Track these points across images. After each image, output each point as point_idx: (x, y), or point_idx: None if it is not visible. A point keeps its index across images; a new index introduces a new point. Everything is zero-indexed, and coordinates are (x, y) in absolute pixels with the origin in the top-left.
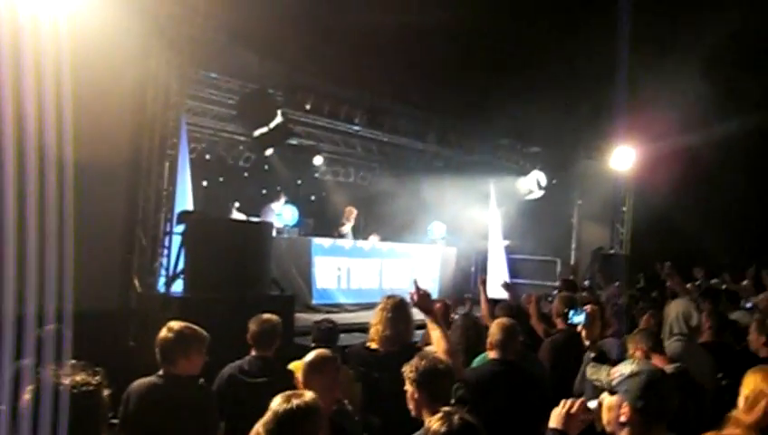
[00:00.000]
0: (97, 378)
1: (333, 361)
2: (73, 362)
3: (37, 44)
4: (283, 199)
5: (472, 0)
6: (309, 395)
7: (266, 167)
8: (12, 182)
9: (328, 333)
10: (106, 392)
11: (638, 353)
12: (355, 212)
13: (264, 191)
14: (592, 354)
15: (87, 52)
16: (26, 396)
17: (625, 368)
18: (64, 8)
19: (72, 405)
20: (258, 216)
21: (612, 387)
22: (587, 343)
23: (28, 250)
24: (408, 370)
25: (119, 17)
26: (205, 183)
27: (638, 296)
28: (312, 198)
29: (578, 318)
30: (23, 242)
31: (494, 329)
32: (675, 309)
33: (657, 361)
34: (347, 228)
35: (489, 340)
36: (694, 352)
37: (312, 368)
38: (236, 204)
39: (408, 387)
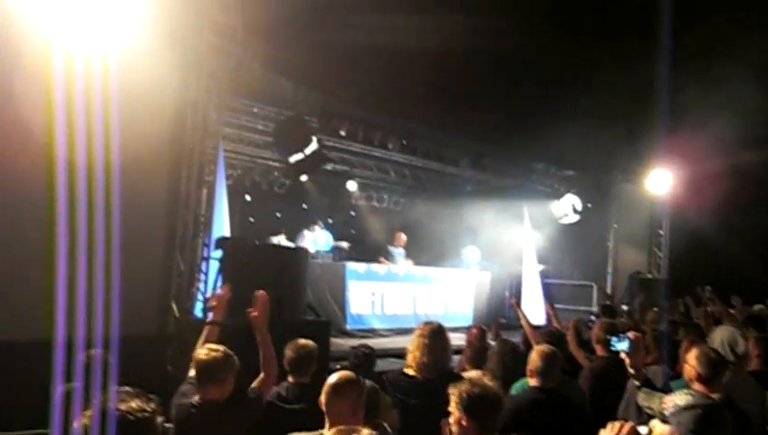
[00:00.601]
0: (152, 405)
1: (356, 383)
2: (127, 388)
3: (88, 78)
4: (317, 225)
5: (504, 24)
6: (366, 432)
7: (301, 192)
8: (63, 211)
9: (365, 359)
10: (160, 419)
11: (689, 371)
12: (405, 238)
13: (299, 216)
14: (637, 383)
15: (130, 83)
16: (82, 421)
17: (680, 399)
18: (113, 45)
19: (128, 431)
20: (294, 241)
21: (665, 417)
22: (631, 370)
23: (76, 276)
24: (456, 393)
25: (160, 49)
26: (240, 209)
27: (679, 322)
28: (347, 223)
29: (621, 345)
30: (71, 268)
31: (535, 356)
32: (719, 336)
33: (697, 387)
34: (396, 251)
35: (529, 367)
36: (742, 381)
37: (334, 391)
38: (283, 234)
39: (455, 412)
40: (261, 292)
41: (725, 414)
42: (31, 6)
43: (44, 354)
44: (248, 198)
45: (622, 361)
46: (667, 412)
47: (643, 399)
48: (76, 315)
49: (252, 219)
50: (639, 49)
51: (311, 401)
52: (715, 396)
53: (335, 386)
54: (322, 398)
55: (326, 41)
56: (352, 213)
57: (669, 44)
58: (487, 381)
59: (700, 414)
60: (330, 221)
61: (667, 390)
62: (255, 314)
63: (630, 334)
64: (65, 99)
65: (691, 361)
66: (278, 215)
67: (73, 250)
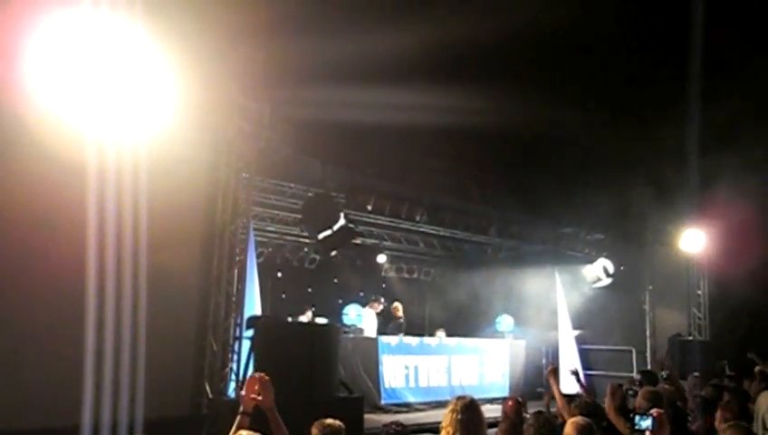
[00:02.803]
0: None
1: None
2: None
3: (119, 164)
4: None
5: (527, 92)
6: None
7: (331, 268)
8: (90, 291)
9: None
10: None
11: None
12: (401, 307)
13: (331, 292)
14: None
15: (162, 167)
16: None
17: None
18: (143, 132)
19: None
20: (326, 316)
21: None
22: None
23: (104, 359)
24: None
25: (191, 135)
26: (271, 286)
27: (724, 387)
28: (378, 295)
29: (645, 423)
30: (99, 351)
31: (569, 429)
32: (766, 402)
33: None
34: (396, 324)
35: None
36: None
37: None
38: (312, 308)
39: None
40: (259, 374)
41: None
42: (65, 101)
43: None
44: (279, 275)
45: None
46: None
47: None
48: (107, 399)
49: (284, 296)
50: (666, 110)
51: None
52: None
53: None
54: None
55: (350, 119)
56: (383, 285)
57: (697, 104)
58: None
59: None
60: (361, 295)
61: None
62: (261, 398)
63: (653, 412)
64: (99, 185)
65: None
66: (309, 290)
67: (106, 334)
